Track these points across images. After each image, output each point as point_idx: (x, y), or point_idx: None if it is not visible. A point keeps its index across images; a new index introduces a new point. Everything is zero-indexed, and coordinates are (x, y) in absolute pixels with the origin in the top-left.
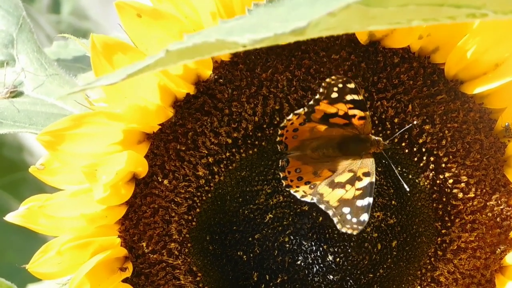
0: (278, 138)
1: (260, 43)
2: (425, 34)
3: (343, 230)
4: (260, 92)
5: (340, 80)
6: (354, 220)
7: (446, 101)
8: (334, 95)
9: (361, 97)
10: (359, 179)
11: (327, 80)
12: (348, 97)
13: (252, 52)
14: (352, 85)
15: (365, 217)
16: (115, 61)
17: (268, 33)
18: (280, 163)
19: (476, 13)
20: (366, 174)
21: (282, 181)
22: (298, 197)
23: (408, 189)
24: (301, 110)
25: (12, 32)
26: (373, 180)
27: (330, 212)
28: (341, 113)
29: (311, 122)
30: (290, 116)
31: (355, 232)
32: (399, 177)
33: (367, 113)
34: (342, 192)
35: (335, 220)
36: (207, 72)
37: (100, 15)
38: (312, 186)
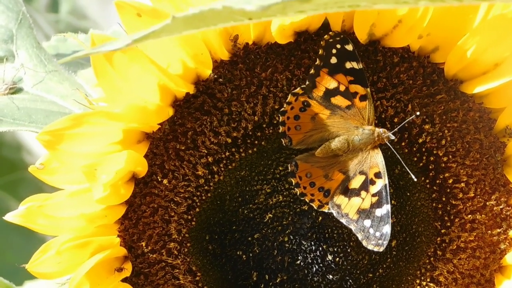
0: (281, 129)
1: (267, 11)
2: (424, 33)
3: (370, 247)
4: (259, 91)
5: (338, 39)
6: (378, 234)
7: (445, 101)
8: (334, 60)
9: (360, 66)
10: (372, 182)
11: (325, 36)
12: (348, 65)
13: (252, 51)
14: (350, 47)
15: (387, 229)
16: (115, 60)
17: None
18: (289, 168)
19: None
20: (378, 175)
21: (296, 189)
22: (315, 207)
23: (415, 179)
24: (298, 90)
25: (11, 28)
26: (386, 182)
27: (353, 227)
28: (342, 88)
29: (312, 107)
30: (289, 98)
31: (381, 249)
32: (407, 169)
33: (368, 90)
34: (359, 201)
35: (360, 236)
36: (207, 72)
37: (99, 14)
38: (326, 194)
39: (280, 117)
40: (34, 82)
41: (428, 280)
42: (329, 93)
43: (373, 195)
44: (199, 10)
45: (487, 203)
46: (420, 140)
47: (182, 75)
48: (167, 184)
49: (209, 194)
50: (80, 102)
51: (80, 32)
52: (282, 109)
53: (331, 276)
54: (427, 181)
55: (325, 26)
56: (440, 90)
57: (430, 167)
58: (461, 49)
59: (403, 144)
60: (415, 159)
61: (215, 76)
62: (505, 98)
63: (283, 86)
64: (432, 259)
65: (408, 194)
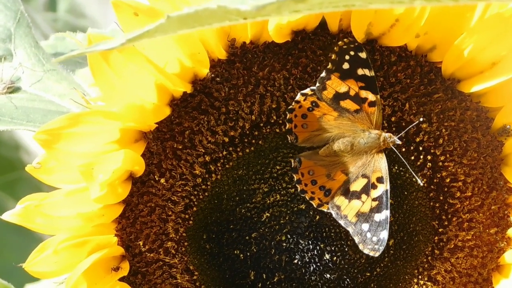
0: (287, 126)
1: (262, 11)
2: (422, 32)
3: (365, 251)
4: (257, 90)
5: (352, 46)
6: (374, 239)
7: (443, 100)
8: (346, 65)
9: (372, 73)
10: (374, 186)
11: (339, 43)
12: (360, 72)
13: (249, 50)
14: (363, 55)
15: (384, 234)
16: (112, 59)
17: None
18: (292, 163)
19: None
20: (380, 180)
21: (297, 185)
22: (315, 205)
23: (422, 184)
24: (308, 90)
25: (10, 27)
26: (388, 187)
27: (350, 230)
28: (352, 93)
29: (321, 108)
30: (298, 97)
31: (377, 254)
32: (415, 175)
33: (378, 96)
34: (359, 204)
35: (356, 239)
36: (204, 71)
37: (97, 13)
38: (327, 193)
39: (288, 114)
40: (32, 81)
41: (426, 279)
42: (339, 97)
43: (374, 200)
44: (193, 10)
45: (485, 202)
46: (418, 139)
47: (179, 74)
48: (164, 183)
49: (206, 193)
50: (78, 101)
51: (78, 30)
52: (290, 106)
53: (328, 275)
54: (425, 180)
55: (322, 25)
56: (438, 89)
57: (428, 166)
58: (458, 48)
59: (400, 143)
60: (413, 158)
61: (212, 75)
62: (503, 97)
63: (280, 85)
64: (429, 258)
65: (406, 193)
